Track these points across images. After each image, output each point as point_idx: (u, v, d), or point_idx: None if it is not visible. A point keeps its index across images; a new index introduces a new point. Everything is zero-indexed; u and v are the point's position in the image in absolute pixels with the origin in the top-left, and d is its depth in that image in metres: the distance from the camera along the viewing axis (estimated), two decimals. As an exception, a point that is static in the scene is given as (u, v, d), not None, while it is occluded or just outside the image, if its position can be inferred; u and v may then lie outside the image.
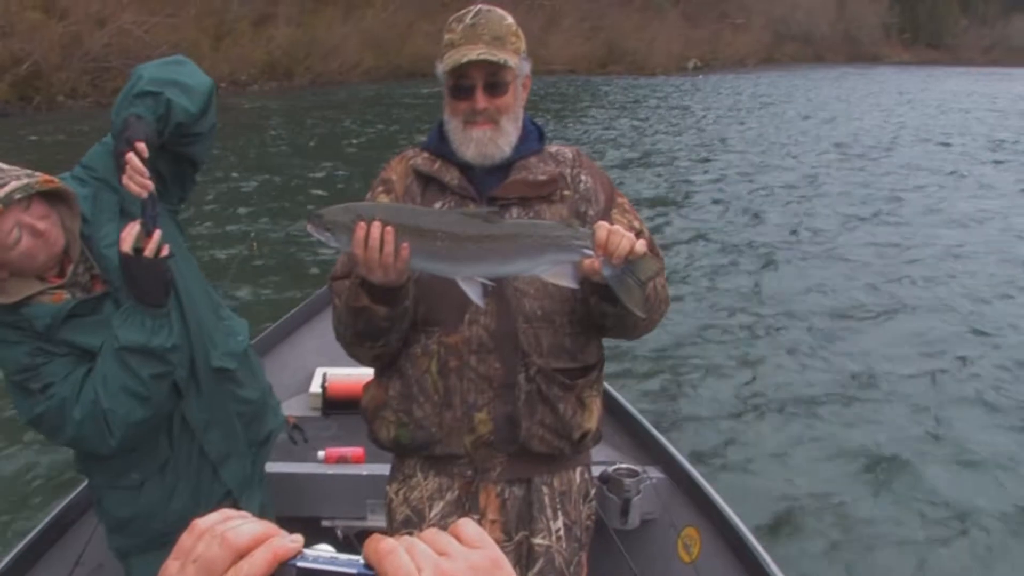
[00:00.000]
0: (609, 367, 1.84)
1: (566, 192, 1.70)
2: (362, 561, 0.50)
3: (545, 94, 23.09)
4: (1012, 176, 12.79)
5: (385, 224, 1.41)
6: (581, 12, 35.78)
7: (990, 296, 7.05)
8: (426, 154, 1.72)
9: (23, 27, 18.00)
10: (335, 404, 2.96)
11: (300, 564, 0.50)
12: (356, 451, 2.57)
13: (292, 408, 2.94)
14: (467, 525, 0.54)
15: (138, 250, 1.65)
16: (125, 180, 1.62)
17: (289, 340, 3.40)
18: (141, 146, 1.63)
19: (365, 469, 2.50)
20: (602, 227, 1.44)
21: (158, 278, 1.68)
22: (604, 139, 15.74)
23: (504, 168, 1.68)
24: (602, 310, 1.58)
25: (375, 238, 1.41)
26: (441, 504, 1.71)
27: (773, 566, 2.11)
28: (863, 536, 3.65)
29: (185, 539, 0.51)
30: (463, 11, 1.63)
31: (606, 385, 2.12)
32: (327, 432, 2.82)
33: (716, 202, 10.59)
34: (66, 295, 1.71)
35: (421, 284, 1.60)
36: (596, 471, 2.09)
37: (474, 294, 1.48)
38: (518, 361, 1.63)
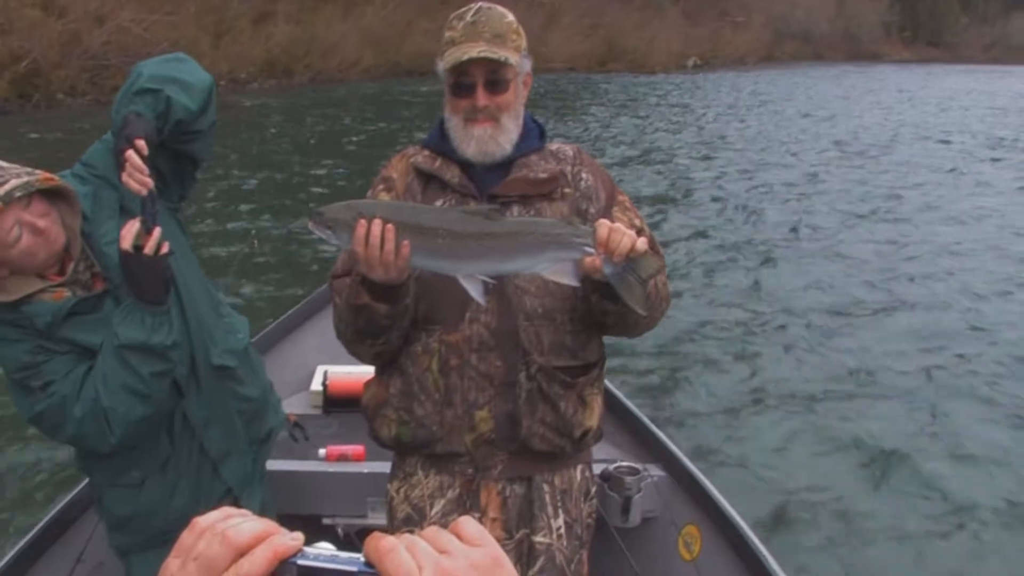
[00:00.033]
0: (610, 364, 1.84)
1: (567, 190, 1.70)
2: (363, 559, 0.50)
3: (545, 92, 23.07)
4: (1011, 174, 12.79)
5: (386, 222, 1.41)
6: (581, 10, 35.74)
7: (988, 293, 7.06)
8: (427, 152, 1.72)
9: (22, 24, 17.98)
10: (336, 402, 2.97)
11: (300, 562, 0.50)
12: (357, 449, 2.57)
13: (293, 406, 2.94)
14: (468, 523, 0.53)
15: (138, 247, 1.65)
16: (124, 177, 1.62)
17: (290, 338, 3.40)
18: (141, 143, 1.62)
19: (366, 467, 2.50)
20: (603, 225, 1.44)
21: (158, 275, 1.68)
22: (604, 137, 15.74)
23: (505, 166, 1.67)
24: (603, 308, 1.58)
25: (376, 236, 1.41)
26: (442, 502, 1.71)
27: (774, 564, 2.11)
28: (863, 532, 3.65)
29: (186, 537, 0.51)
30: (464, 8, 1.63)
31: (607, 383, 2.11)
32: (328, 430, 2.82)
33: (716, 200, 10.59)
34: (67, 293, 1.71)
35: (422, 282, 1.60)
36: (597, 469, 2.09)
37: (475, 292, 1.48)
38: (519, 359, 1.63)
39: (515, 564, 1.66)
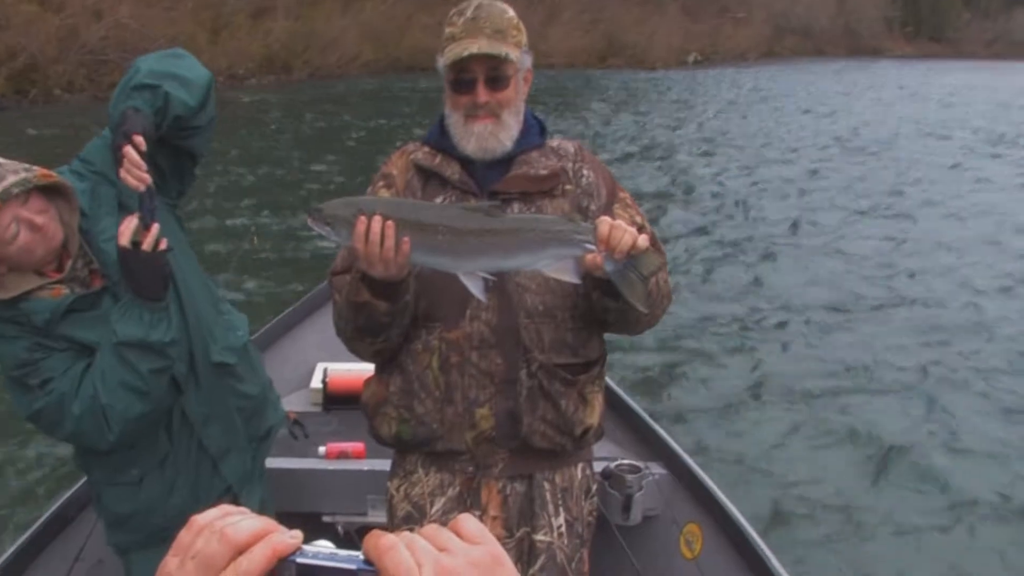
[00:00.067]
0: (610, 361, 1.84)
1: (568, 187, 1.69)
2: (362, 557, 0.50)
3: (545, 87, 23.04)
4: (1012, 170, 12.78)
5: (386, 218, 1.40)
6: (581, 5, 35.69)
7: (988, 289, 7.07)
8: (427, 148, 1.72)
9: (19, 20, 17.93)
10: (336, 399, 2.96)
11: (299, 560, 0.50)
12: (357, 447, 2.56)
13: (293, 403, 2.93)
14: (468, 521, 0.53)
15: (136, 244, 1.64)
16: (123, 173, 1.61)
17: (290, 335, 3.39)
18: (139, 139, 1.62)
19: (366, 465, 2.50)
20: (604, 222, 1.44)
21: (156, 272, 1.68)
22: (604, 133, 15.72)
23: (505, 162, 1.67)
24: (604, 305, 1.58)
25: (376, 232, 1.40)
26: (442, 500, 1.71)
27: (775, 562, 2.10)
28: (864, 528, 3.66)
29: (184, 535, 0.51)
30: (464, 4, 1.63)
31: (608, 380, 2.11)
32: (328, 427, 2.81)
33: (716, 196, 10.59)
34: (65, 290, 1.71)
35: (422, 279, 1.59)
36: (598, 467, 2.08)
37: (476, 289, 1.47)
38: (520, 357, 1.62)
39: (515, 562, 1.65)
